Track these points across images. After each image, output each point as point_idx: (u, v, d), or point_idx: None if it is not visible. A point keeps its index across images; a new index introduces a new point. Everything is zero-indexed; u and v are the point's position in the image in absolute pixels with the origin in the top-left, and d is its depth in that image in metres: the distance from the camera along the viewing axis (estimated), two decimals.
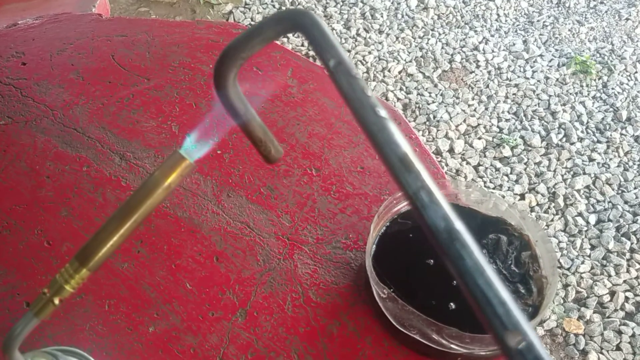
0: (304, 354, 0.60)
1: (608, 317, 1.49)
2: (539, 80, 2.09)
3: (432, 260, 0.61)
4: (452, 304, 0.58)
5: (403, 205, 0.65)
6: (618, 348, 1.44)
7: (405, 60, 2.14)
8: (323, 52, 0.26)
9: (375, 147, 0.24)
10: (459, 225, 0.22)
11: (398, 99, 2.00)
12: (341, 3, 2.37)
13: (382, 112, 0.24)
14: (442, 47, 2.21)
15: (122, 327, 0.61)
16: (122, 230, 0.34)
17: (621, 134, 1.93)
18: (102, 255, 0.34)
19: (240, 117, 0.32)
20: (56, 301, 0.35)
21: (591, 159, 1.85)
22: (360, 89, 0.24)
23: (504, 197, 1.72)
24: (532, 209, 1.72)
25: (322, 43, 0.26)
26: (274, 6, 2.33)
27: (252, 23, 2.27)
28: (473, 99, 2.03)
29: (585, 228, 1.68)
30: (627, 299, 1.52)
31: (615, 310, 1.50)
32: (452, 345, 0.55)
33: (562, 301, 1.53)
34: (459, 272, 0.21)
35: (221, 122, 0.37)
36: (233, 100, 0.31)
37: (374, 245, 0.62)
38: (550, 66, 2.15)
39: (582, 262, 1.59)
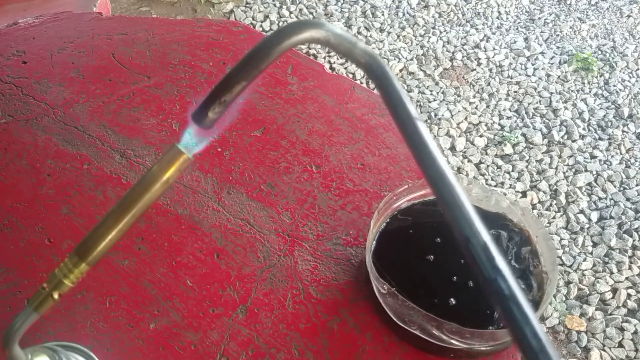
0: (304, 350, 0.60)
1: (610, 314, 1.49)
2: (540, 78, 2.09)
3: (432, 256, 0.61)
4: (452, 299, 0.58)
5: (403, 202, 0.66)
6: (620, 345, 1.44)
7: (406, 58, 2.14)
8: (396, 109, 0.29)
9: (445, 201, 0.27)
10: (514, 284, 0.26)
11: None
12: (342, 1, 2.37)
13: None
14: (443, 45, 2.21)
15: (122, 323, 0.61)
16: (121, 225, 0.34)
17: (623, 131, 1.93)
18: (101, 250, 0.34)
19: (258, 71, 0.31)
20: (55, 295, 0.35)
21: (593, 156, 1.85)
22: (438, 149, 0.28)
23: (505, 194, 1.72)
24: (533, 207, 1.72)
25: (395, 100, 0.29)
26: (275, 5, 2.34)
27: (253, 22, 2.27)
28: (474, 96, 2.02)
29: (587, 225, 1.68)
30: (629, 296, 1.52)
31: (618, 307, 1.50)
32: (452, 341, 0.55)
33: (564, 298, 1.52)
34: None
35: (220, 116, 0.37)
36: (271, 58, 0.31)
37: (374, 242, 0.62)
38: (552, 63, 2.15)
39: (584, 260, 1.59)
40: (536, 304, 0.58)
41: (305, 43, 0.32)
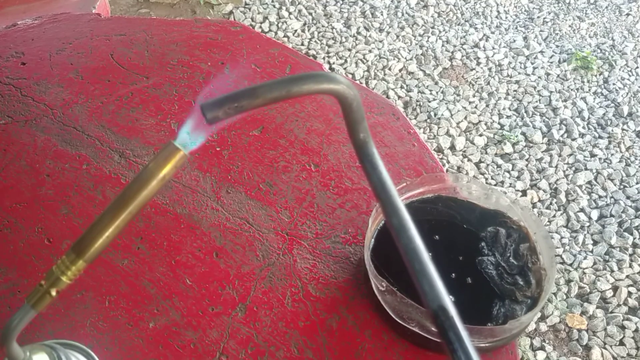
0: (303, 348, 0.60)
1: (611, 312, 1.49)
2: (539, 77, 2.09)
3: (430, 254, 0.61)
4: (450, 296, 0.58)
5: (401, 200, 0.65)
6: (621, 343, 1.44)
7: (405, 58, 2.15)
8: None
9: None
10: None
11: (399, 97, 2.00)
12: (341, 2, 2.37)
13: None
14: (443, 45, 2.21)
15: (122, 323, 0.61)
16: (118, 222, 0.34)
17: (623, 130, 1.93)
18: (98, 247, 0.34)
19: (286, 96, 0.32)
20: (53, 292, 0.35)
21: (593, 155, 1.85)
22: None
23: (505, 193, 1.72)
24: (534, 205, 1.72)
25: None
26: (274, 6, 2.34)
27: (253, 24, 2.27)
28: (474, 96, 2.02)
29: (588, 224, 1.67)
30: (630, 294, 1.52)
31: (618, 305, 1.50)
32: None
33: (564, 297, 1.52)
34: None
35: (226, 118, 0.37)
36: (304, 90, 0.33)
37: (373, 239, 0.62)
38: (551, 62, 2.15)
39: (585, 258, 1.59)
40: (535, 301, 0.58)
41: (335, 94, 0.33)
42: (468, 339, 0.31)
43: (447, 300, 0.32)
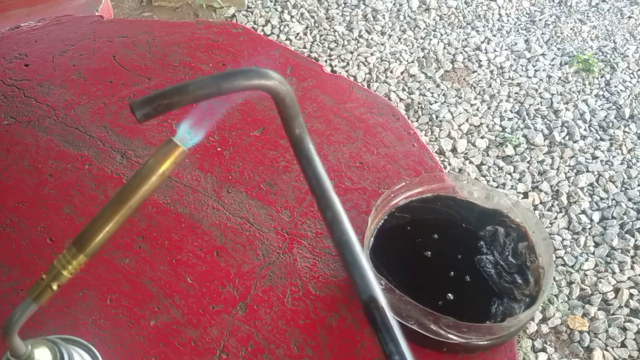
0: (303, 346, 0.60)
1: (612, 314, 1.49)
2: (541, 79, 2.09)
3: (429, 252, 0.62)
4: (449, 294, 0.58)
5: (400, 199, 0.66)
6: (623, 345, 1.44)
7: (407, 60, 2.15)
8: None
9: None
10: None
11: (400, 99, 2.01)
12: (343, 5, 2.38)
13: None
14: (444, 48, 2.22)
15: (123, 321, 0.62)
16: (118, 217, 0.35)
17: (624, 132, 1.93)
18: (98, 241, 0.35)
19: (218, 93, 0.32)
20: (54, 286, 0.36)
21: (594, 157, 1.85)
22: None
23: (506, 195, 1.72)
24: (535, 207, 1.72)
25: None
26: (276, 10, 2.35)
27: (255, 27, 2.28)
28: (475, 98, 2.03)
29: (589, 225, 1.68)
30: (631, 295, 1.52)
31: (620, 307, 1.50)
32: (450, 335, 0.56)
33: (566, 299, 1.52)
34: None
35: (214, 110, 0.37)
36: (236, 87, 0.33)
37: (372, 238, 0.63)
38: (553, 65, 2.15)
39: (586, 260, 1.59)
40: (533, 299, 0.58)
41: (267, 91, 0.33)
42: (398, 329, 0.32)
43: (378, 291, 0.32)
